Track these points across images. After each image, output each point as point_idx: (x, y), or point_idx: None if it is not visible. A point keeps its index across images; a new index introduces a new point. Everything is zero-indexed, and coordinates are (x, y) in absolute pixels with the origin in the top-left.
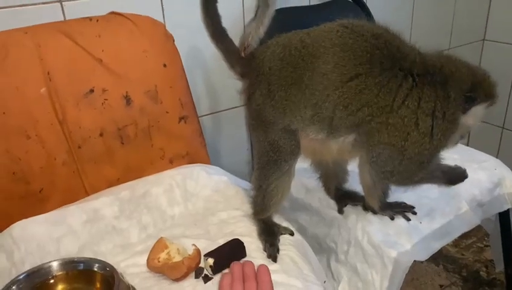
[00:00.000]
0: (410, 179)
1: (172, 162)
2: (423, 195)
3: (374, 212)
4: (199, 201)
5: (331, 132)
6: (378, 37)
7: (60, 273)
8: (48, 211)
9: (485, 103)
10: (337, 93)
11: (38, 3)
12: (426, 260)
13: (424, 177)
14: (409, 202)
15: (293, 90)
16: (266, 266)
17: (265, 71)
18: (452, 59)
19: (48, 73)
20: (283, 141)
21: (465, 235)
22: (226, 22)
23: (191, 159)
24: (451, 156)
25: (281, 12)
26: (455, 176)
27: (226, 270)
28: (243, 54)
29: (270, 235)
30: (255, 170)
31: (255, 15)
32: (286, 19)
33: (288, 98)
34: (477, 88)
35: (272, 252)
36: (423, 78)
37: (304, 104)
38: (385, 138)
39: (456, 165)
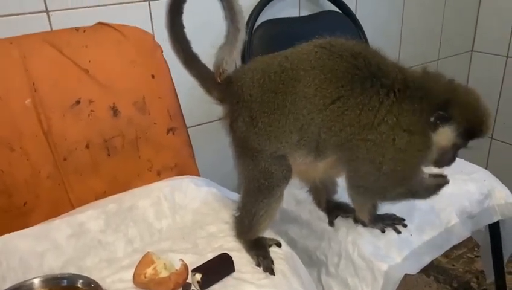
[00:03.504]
0: (384, 195)
1: (160, 174)
2: (413, 207)
3: (365, 224)
4: (188, 214)
5: (318, 154)
6: (357, 56)
7: None
8: (31, 225)
9: (458, 127)
10: (321, 117)
11: (25, 13)
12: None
13: (401, 193)
14: (399, 215)
15: (276, 116)
16: None
17: (246, 98)
18: (435, 74)
19: (33, 84)
20: (274, 167)
21: (455, 246)
22: (216, 31)
23: (180, 171)
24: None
25: (271, 24)
26: (436, 187)
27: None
28: (218, 80)
29: (260, 248)
30: (243, 194)
31: (227, 39)
32: (276, 31)
33: (272, 124)
34: (453, 108)
35: (268, 265)
36: (403, 94)
37: (290, 129)
38: (363, 154)
39: (436, 173)
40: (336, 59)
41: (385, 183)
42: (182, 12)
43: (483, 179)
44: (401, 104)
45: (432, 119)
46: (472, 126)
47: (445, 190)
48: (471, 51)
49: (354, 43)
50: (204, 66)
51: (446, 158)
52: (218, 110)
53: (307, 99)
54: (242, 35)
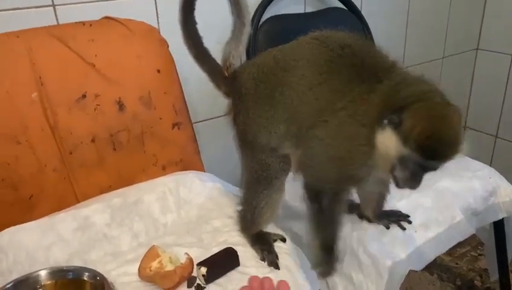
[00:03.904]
0: (322, 183)
1: (165, 169)
2: (417, 204)
3: (369, 220)
4: (192, 208)
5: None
6: (344, 47)
7: (48, 282)
8: (37, 218)
9: (406, 139)
10: (301, 104)
11: (31, 7)
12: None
13: (333, 189)
14: (403, 211)
15: (265, 107)
16: (286, 282)
17: (243, 92)
18: (419, 80)
19: (40, 78)
20: (271, 159)
21: (459, 244)
22: (221, 27)
23: (185, 166)
24: (446, 165)
25: (276, 20)
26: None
27: (245, 284)
28: (226, 74)
29: (264, 243)
30: (244, 186)
31: (233, 34)
32: (281, 27)
33: (262, 114)
34: (408, 118)
35: (272, 259)
36: (374, 87)
37: (277, 120)
38: (319, 134)
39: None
40: (322, 49)
41: (326, 169)
42: (194, 9)
43: (489, 177)
44: (368, 95)
45: (384, 121)
46: (420, 145)
47: (451, 187)
48: (477, 49)
49: (349, 36)
50: (214, 61)
51: (404, 176)
52: (222, 106)
53: (292, 88)
54: (247, 30)
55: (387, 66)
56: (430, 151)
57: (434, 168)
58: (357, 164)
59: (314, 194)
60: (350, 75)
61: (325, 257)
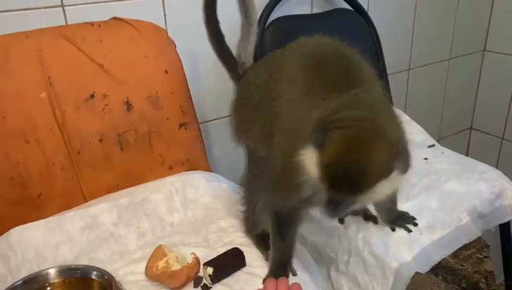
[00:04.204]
0: (269, 195)
1: (172, 169)
2: (423, 206)
3: (375, 222)
4: (199, 208)
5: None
6: (313, 57)
7: (56, 280)
8: (45, 217)
9: (317, 160)
10: (270, 110)
11: (41, 8)
12: (425, 272)
13: (280, 205)
14: (409, 212)
15: (248, 108)
16: (299, 284)
17: (240, 91)
18: (372, 103)
19: (49, 77)
20: (258, 159)
21: (464, 246)
22: (228, 28)
23: (191, 165)
24: (452, 166)
25: (283, 21)
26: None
27: (252, 284)
28: (240, 72)
29: (268, 244)
30: (243, 185)
31: (241, 33)
32: (288, 28)
33: (243, 116)
34: (327, 138)
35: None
36: (320, 103)
37: (254, 122)
38: (275, 142)
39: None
40: (295, 56)
41: (269, 180)
42: (216, 8)
43: (495, 179)
44: (311, 111)
45: (311, 140)
46: (323, 172)
47: (457, 189)
48: (484, 50)
49: (328, 44)
50: (234, 59)
51: (324, 202)
52: (228, 106)
53: (268, 92)
54: (255, 30)
55: (351, 81)
56: (329, 179)
57: (339, 200)
58: (291, 180)
59: (269, 208)
60: (309, 87)
61: (279, 271)
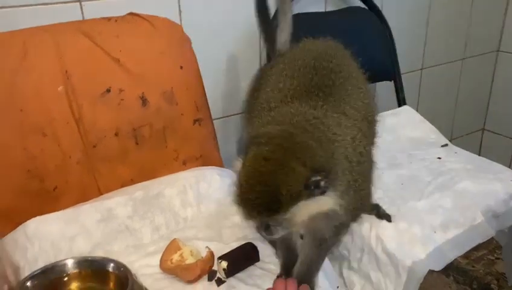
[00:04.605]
0: None
1: (186, 164)
2: (437, 205)
3: (389, 220)
4: (212, 203)
5: None
6: (296, 60)
7: (74, 271)
8: (60, 210)
9: None
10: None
11: (58, 3)
12: (436, 271)
13: None
14: (423, 211)
15: (251, 104)
16: (308, 286)
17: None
18: (306, 120)
19: (66, 72)
20: None
21: (475, 247)
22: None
23: (204, 161)
24: (465, 166)
25: (297, 18)
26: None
27: (266, 280)
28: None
29: (282, 240)
30: None
31: (278, 21)
32: (301, 25)
33: (248, 111)
34: (248, 147)
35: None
36: (268, 113)
37: (249, 118)
38: None
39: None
40: (296, 56)
41: None
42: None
43: (510, 179)
44: (261, 115)
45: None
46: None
47: (471, 189)
48: (498, 50)
49: (315, 50)
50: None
51: None
52: (241, 103)
53: (256, 96)
54: (288, 18)
55: (315, 92)
56: (238, 200)
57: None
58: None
59: None
60: (282, 91)
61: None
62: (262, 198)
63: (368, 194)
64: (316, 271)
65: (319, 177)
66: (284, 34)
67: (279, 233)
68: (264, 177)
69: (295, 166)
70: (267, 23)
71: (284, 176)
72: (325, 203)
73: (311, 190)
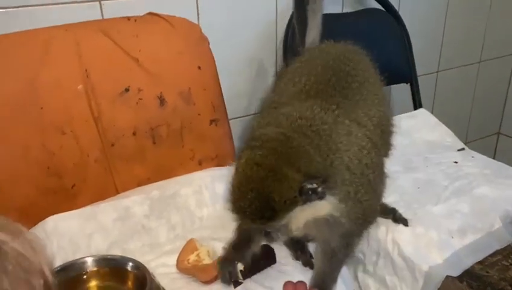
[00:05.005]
0: None
1: (202, 164)
2: (454, 209)
3: (405, 224)
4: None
5: None
6: (314, 59)
7: (93, 269)
8: (78, 207)
9: None
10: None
11: (78, 2)
12: (450, 277)
13: None
14: (440, 216)
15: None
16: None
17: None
18: (305, 124)
19: (86, 70)
20: None
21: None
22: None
23: (220, 161)
24: (482, 171)
25: None
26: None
27: (281, 281)
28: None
29: (298, 242)
30: None
31: (307, 20)
32: None
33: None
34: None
35: (306, 259)
36: (277, 110)
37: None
38: None
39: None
40: (317, 57)
41: None
42: None
43: None
44: (270, 111)
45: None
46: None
47: (489, 194)
48: None
49: (341, 50)
50: None
51: None
52: (257, 104)
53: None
54: (318, 18)
55: (337, 94)
56: (230, 206)
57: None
58: None
59: None
60: (297, 86)
61: None
62: (254, 206)
63: (372, 205)
64: (332, 283)
65: (315, 185)
66: (312, 33)
67: (279, 238)
68: (255, 184)
69: (288, 172)
70: (302, 21)
71: (276, 182)
72: (323, 208)
73: (308, 195)
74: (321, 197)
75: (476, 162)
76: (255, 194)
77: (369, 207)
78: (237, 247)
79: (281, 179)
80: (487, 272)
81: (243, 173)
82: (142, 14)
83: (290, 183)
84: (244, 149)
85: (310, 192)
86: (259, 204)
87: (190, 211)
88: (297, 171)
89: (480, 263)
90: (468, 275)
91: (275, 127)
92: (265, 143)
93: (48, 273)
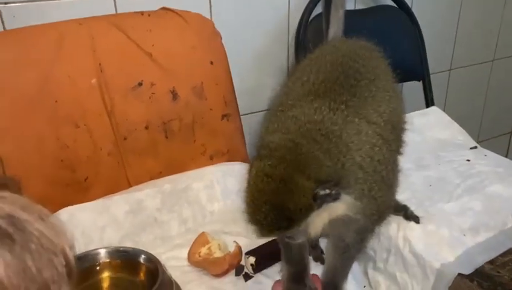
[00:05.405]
0: None
1: (213, 159)
2: (467, 207)
3: (417, 222)
4: (238, 199)
5: None
6: (324, 56)
7: (105, 261)
8: (90, 200)
9: None
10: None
11: None
12: (460, 275)
13: None
14: (452, 213)
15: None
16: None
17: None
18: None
19: (100, 64)
20: None
21: (502, 253)
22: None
23: (231, 156)
24: (495, 169)
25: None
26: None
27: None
28: None
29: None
30: None
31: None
32: None
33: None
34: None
35: (317, 255)
36: (285, 113)
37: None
38: None
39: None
40: (329, 55)
41: None
42: None
43: None
44: (279, 113)
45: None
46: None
47: (502, 192)
48: None
49: (355, 48)
50: None
51: None
52: (268, 100)
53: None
54: (340, 14)
55: (345, 92)
56: (248, 219)
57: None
58: None
59: None
60: (305, 85)
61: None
62: (270, 218)
63: (385, 201)
64: (343, 278)
65: (327, 190)
66: (333, 29)
67: (300, 238)
68: (268, 197)
69: (298, 180)
70: (326, 18)
71: (289, 193)
72: (339, 208)
73: (323, 199)
74: (336, 198)
75: (488, 161)
76: (269, 206)
77: (383, 203)
78: (296, 277)
79: (292, 189)
80: (498, 272)
81: (254, 186)
82: (155, 9)
83: (302, 191)
84: (254, 160)
85: (324, 196)
86: (274, 216)
87: (201, 205)
88: (308, 178)
89: (491, 263)
90: (478, 274)
91: (282, 133)
92: (274, 152)
93: (70, 255)
